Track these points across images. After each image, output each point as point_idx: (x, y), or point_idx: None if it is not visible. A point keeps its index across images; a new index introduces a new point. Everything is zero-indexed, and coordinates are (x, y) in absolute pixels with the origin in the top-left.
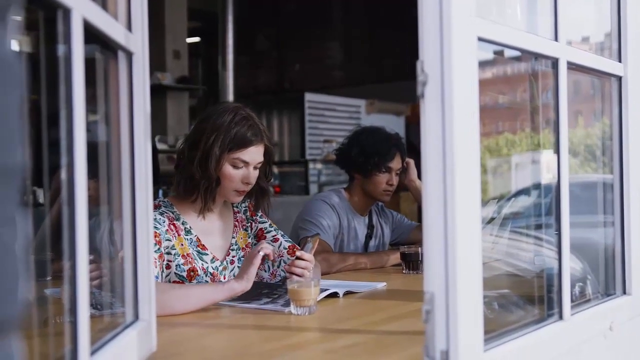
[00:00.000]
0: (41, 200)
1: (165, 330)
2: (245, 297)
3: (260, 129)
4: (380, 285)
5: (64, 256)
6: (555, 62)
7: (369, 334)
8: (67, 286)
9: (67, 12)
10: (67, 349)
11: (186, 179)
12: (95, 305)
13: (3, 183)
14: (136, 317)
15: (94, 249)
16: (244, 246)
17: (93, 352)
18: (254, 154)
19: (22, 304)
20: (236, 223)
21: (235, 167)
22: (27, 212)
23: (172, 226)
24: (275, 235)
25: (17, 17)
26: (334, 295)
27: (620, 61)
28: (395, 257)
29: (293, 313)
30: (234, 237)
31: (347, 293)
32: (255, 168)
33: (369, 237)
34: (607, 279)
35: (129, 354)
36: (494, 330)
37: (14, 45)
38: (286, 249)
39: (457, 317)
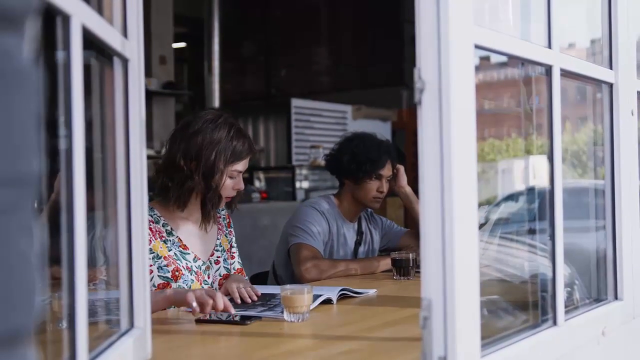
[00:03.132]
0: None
1: (160, 337)
2: (241, 306)
3: (251, 139)
4: (372, 292)
5: (58, 263)
6: (549, 69)
7: (363, 340)
8: (64, 294)
9: (66, 18)
10: (65, 357)
11: (186, 192)
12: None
13: (21, 192)
14: (131, 324)
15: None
16: (227, 249)
17: None
18: (247, 163)
19: (38, 313)
20: (219, 226)
21: (231, 177)
22: (40, 221)
23: (148, 230)
24: (234, 253)
25: (33, 26)
26: (328, 302)
27: (611, 68)
28: (385, 263)
29: (286, 320)
30: (218, 239)
31: (342, 296)
32: (243, 175)
33: (358, 243)
34: (598, 284)
35: None
36: (489, 336)
37: (30, 54)
38: (235, 270)
39: (455, 324)
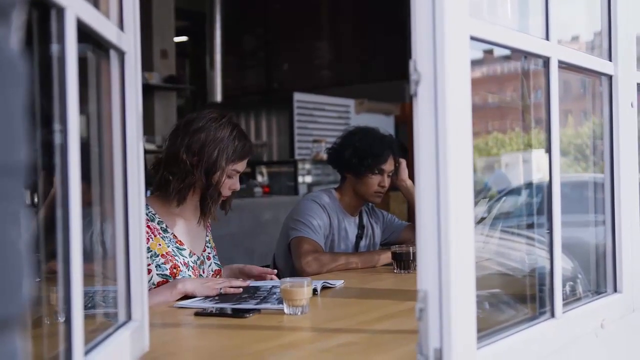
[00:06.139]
0: (27, 201)
1: (158, 330)
2: (231, 301)
3: (251, 141)
4: (339, 283)
5: (56, 257)
6: (546, 61)
7: (362, 333)
8: (60, 287)
9: (60, 11)
10: (61, 349)
11: (186, 187)
12: (86, 305)
13: (9, 181)
14: (129, 317)
15: (84, 249)
16: (213, 246)
17: (86, 352)
18: (245, 164)
19: (27, 302)
20: (208, 225)
21: (229, 177)
22: (29, 211)
23: (147, 228)
24: (214, 253)
25: (20, 16)
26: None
27: (610, 60)
28: (386, 257)
29: (285, 313)
30: (207, 236)
31: (324, 288)
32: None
33: (359, 237)
34: (598, 277)
35: (122, 354)
36: (487, 329)
37: (17, 45)
38: (213, 271)
39: (451, 315)
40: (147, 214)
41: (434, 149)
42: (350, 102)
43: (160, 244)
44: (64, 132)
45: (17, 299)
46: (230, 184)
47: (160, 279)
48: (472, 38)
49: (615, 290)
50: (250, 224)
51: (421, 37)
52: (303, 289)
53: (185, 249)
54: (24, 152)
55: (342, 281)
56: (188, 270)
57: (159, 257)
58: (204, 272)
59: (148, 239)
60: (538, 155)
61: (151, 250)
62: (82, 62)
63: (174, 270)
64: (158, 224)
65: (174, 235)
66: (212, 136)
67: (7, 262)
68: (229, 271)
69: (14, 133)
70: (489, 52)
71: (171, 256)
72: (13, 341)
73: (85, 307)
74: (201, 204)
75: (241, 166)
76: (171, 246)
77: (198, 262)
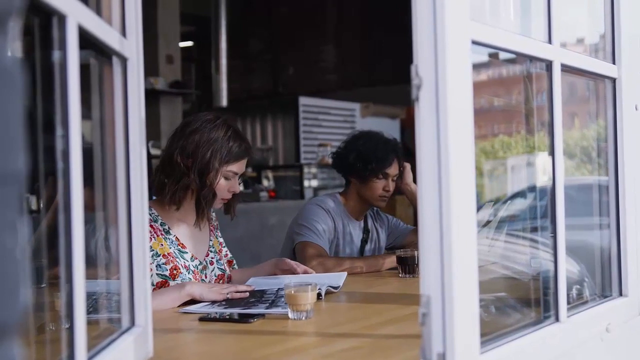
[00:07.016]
0: (34, 207)
1: (162, 336)
2: (239, 306)
3: (249, 142)
4: (343, 277)
5: (60, 263)
6: (549, 65)
7: (365, 337)
8: (62, 292)
9: (62, 18)
10: (64, 355)
11: (181, 189)
12: (89, 309)
13: (5, 188)
14: (132, 323)
15: (89, 255)
16: (218, 250)
17: (89, 359)
18: (243, 165)
19: (23, 309)
20: (211, 228)
21: (226, 178)
22: (26, 218)
23: (149, 228)
24: (227, 251)
25: (17, 25)
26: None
27: (614, 63)
28: (390, 261)
29: (290, 317)
30: (211, 240)
31: (328, 293)
32: (239, 178)
33: (364, 241)
34: (603, 280)
35: None
36: (490, 333)
37: (14, 53)
38: (216, 276)
39: (454, 320)
40: (150, 215)
41: (436, 153)
42: (356, 106)
43: (162, 244)
44: (66, 137)
45: (14, 307)
46: (229, 186)
47: (160, 279)
48: (474, 42)
49: (620, 294)
50: (257, 228)
51: (422, 42)
52: (307, 293)
53: (187, 253)
54: (22, 160)
55: (345, 273)
56: (188, 273)
57: (161, 256)
58: (206, 277)
59: (150, 238)
60: (543, 158)
61: (153, 250)
62: (85, 69)
63: (174, 272)
64: (161, 225)
65: (177, 238)
66: (206, 137)
67: (4, 269)
68: (272, 267)
69: (12, 141)
70: (494, 56)
71: (172, 257)
72: (11, 348)
73: (88, 312)
74: (196, 205)
75: (237, 167)
76: (173, 248)
77: (200, 266)
